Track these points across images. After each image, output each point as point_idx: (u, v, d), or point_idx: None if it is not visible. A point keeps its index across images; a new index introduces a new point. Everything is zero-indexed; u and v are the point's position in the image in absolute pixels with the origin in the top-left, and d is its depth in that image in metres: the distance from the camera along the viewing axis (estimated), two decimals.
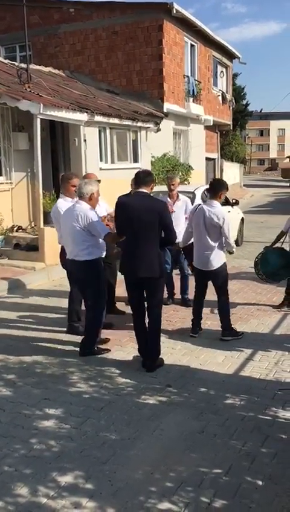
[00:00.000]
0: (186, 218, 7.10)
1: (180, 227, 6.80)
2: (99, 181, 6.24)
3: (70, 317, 5.80)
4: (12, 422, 3.78)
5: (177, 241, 7.07)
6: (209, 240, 5.47)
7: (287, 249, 6.63)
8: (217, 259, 5.53)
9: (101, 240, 5.03)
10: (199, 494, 2.93)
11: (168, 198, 7.09)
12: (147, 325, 4.85)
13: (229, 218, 10.59)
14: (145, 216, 4.51)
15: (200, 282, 5.76)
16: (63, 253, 5.56)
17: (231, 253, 5.96)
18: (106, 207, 6.05)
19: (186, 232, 5.88)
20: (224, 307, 5.62)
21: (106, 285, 5.30)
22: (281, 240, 6.65)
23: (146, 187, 4.69)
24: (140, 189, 4.70)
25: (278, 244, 6.65)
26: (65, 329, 5.82)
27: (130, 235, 4.62)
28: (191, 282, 6.48)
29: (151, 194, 4.84)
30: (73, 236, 4.96)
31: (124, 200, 4.79)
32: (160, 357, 4.84)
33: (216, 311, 5.80)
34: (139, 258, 4.60)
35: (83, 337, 5.20)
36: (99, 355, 5.08)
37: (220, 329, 5.71)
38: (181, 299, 7.05)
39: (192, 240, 5.81)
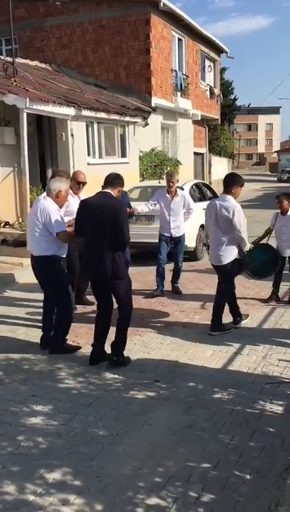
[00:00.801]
0: (184, 212, 7.24)
1: (178, 221, 7.20)
2: (85, 183, 6.24)
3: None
4: None
5: (177, 234, 7.27)
6: (219, 235, 5.40)
7: (275, 245, 6.65)
8: (226, 255, 5.43)
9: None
10: (187, 489, 2.92)
11: (167, 194, 7.21)
12: (106, 325, 4.84)
13: None
14: (101, 215, 4.48)
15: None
16: None
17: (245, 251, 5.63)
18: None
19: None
20: (220, 303, 5.58)
21: (68, 283, 5.23)
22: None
23: (112, 188, 4.66)
24: (105, 190, 4.69)
25: (264, 240, 6.66)
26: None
27: (89, 233, 4.63)
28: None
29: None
30: (32, 230, 4.95)
31: (85, 200, 4.80)
32: (127, 356, 4.80)
33: (206, 306, 5.79)
34: (95, 257, 4.59)
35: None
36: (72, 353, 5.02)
37: (209, 323, 5.71)
38: (172, 288, 7.35)
39: None
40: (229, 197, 5.39)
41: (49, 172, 12.47)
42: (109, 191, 4.66)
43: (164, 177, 7.60)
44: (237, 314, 5.77)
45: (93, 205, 4.57)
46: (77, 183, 6.17)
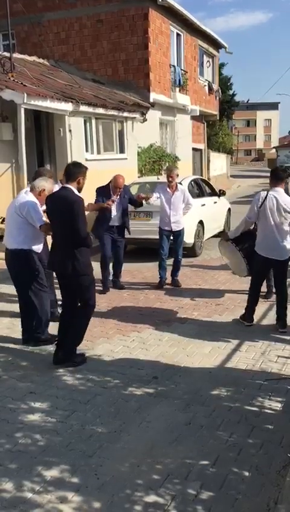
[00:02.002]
0: (183, 207, 7.38)
1: (178, 215, 7.30)
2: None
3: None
4: None
5: (176, 228, 7.30)
6: (284, 228, 5.31)
7: None
8: (288, 247, 5.40)
9: (38, 233, 4.94)
10: (185, 486, 2.92)
11: (167, 189, 7.31)
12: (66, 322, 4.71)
13: (216, 208, 10.75)
14: (58, 210, 4.43)
15: (265, 271, 5.67)
16: None
17: None
18: None
19: (246, 223, 5.59)
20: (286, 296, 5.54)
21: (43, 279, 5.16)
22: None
23: (71, 181, 4.49)
24: (65, 184, 4.55)
25: None
26: (51, 322, 5.76)
27: (53, 230, 4.63)
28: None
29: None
30: (11, 223, 4.97)
31: (49, 194, 4.74)
32: (80, 354, 4.74)
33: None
34: (56, 253, 4.55)
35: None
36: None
37: (208, 319, 5.71)
38: (172, 281, 7.42)
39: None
40: (280, 189, 5.40)
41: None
42: (67, 185, 4.50)
43: (163, 172, 7.64)
44: (250, 313, 5.67)
45: (52, 200, 4.54)
46: None
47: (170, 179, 7.22)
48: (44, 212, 4.89)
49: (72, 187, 4.49)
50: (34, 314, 5.10)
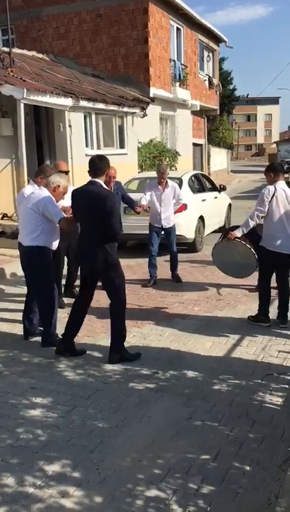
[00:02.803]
0: (174, 203, 7.27)
1: (168, 212, 7.25)
2: (67, 172, 6.20)
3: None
4: None
5: (167, 225, 7.23)
6: None
7: None
8: None
9: (55, 230, 4.91)
10: (187, 481, 2.92)
11: (159, 186, 7.25)
12: (82, 315, 4.77)
13: (217, 204, 10.73)
14: (89, 205, 4.40)
15: (273, 266, 5.48)
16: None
17: None
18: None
19: (258, 218, 5.43)
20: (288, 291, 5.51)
21: (54, 277, 5.15)
22: None
23: (98, 176, 4.51)
24: (92, 179, 4.55)
25: None
26: None
27: (80, 223, 4.63)
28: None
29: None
30: (26, 219, 4.88)
31: (75, 189, 4.71)
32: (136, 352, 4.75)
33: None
34: (85, 248, 4.53)
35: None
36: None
37: (209, 315, 5.71)
38: (172, 276, 7.41)
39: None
40: None
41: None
42: (96, 180, 4.51)
43: (157, 168, 7.54)
44: (266, 313, 5.55)
45: (81, 195, 4.52)
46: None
47: (162, 180, 7.18)
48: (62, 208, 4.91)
49: (101, 181, 4.50)
50: (40, 312, 5.07)
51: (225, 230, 6.35)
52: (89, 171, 4.62)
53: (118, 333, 4.67)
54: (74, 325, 4.75)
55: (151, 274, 7.29)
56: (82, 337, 5.16)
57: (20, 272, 7.94)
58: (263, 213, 5.34)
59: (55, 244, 5.04)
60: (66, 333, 4.75)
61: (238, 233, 5.56)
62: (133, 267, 8.24)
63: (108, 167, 4.61)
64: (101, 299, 6.55)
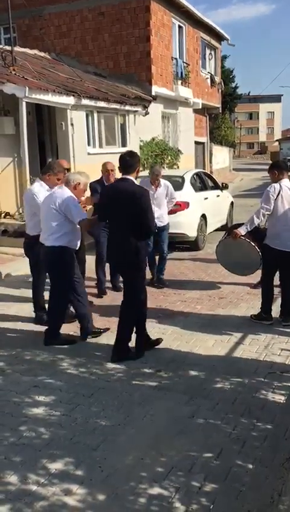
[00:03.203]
0: (167, 202, 7.24)
1: (161, 211, 7.12)
2: (68, 169, 6.21)
3: (35, 306, 5.71)
4: (1, 410, 3.75)
5: (160, 224, 7.10)
6: None
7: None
8: None
9: (76, 229, 4.90)
10: (189, 479, 2.93)
11: (151, 185, 7.11)
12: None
13: (219, 202, 10.72)
14: (122, 202, 4.39)
15: (277, 265, 5.47)
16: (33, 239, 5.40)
17: None
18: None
19: (263, 215, 5.41)
20: None
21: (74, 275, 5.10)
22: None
23: (130, 173, 4.51)
24: (124, 176, 4.56)
25: None
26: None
27: (111, 221, 4.62)
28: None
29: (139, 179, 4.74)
30: (48, 219, 4.84)
31: (108, 185, 4.77)
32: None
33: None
34: (116, 245, 4.56)
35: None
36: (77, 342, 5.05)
37: (211, 313, 5.70)
38: (157, 279, 7.17)
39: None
40: None
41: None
42: (128, 176, 4.52)
43: (151, 170, 7.37)
44: (268, 311, 5.55)
45: (114, 192, 4.51)
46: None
47: (157, 182, 7.10)
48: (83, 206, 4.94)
49: (133, 178, 4.50)
50: (51, 310, 5.09)
51: (229, 228, 6.29)
52: (119, 168, 4.62)
53: (123, 330, 4.65)
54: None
55: (153, 273, 7.23)
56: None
57: (23, 270, 7.97)
58: (268, 211, 5.33)
59: (77, 244, 5.04)
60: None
61: (242, 230, 5.56)
62: None
63: (139, 163, 4.62)
64: (104, 297, 6.60)
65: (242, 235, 5.61)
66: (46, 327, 5.12)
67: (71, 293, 5.00)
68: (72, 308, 5.33)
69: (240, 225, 5.79)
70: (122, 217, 4.41)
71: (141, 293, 4.65)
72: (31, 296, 6.43)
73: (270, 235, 5.41)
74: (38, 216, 5.16)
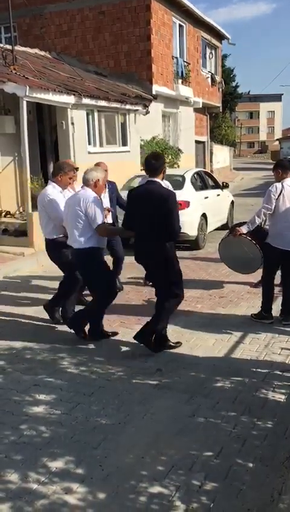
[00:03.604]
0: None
1: None
2: (77, 169, 6.15)
3: (56, 304, 5.67)
4: (2, 408, 3.76)
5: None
6: None
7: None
8: None
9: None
10: (190, 477, 2.93)
11: None
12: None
13: (220, 201, 10.72)
14: (150, 205, 4.43)
15: (279, 264, 5.50)
16: (52, 243, 5.43)
17: None
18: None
19: (264, 215, 5.43)
20: None
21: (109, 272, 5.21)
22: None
23: (157, 175, 4.57)
24: (150, 178, 4.60)
25: None
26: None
27: (138, 223, 4.59)
28: None
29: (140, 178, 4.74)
30: (74, 221, 4.79)
31: (133, 191, 4.77)
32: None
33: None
34: (144, 246, 4.63)
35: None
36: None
37: (212, 312, 5.70)
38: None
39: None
40: None
41: (49, 161, 12.42)
42: (154, 179, 4.57)
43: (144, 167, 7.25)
44: (269, 310, 5.56)
45: (141, 194, 4.55)
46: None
47: None
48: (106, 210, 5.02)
49: (159, 180, 4.55)
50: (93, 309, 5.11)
51: (231, 227, 6.28)
52: (146, 171, 4.68)
53: (159, 314, 4.73)
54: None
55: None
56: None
57: (24, 269, 7.98)
58: (269, 210, 5.35)
59: (104, 243, 5.10)
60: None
61: (244, 229, 5.58)
62: (136, 264, 8.22)
63: (164, 165, 4.66)
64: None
65: (243, 234, 5.61)
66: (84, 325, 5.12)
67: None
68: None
69: (242, 224, 5.81)
70: (150, 218, 4.45)
71: (177, 287, 4.76)
72: (31, 295, 6.47)
73: (271, 234, 5.42)
74: (55, 219, 5.20)
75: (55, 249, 5.37)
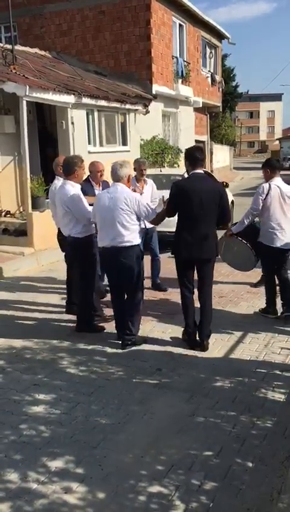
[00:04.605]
0: (152, 200, 6.88)
1: None
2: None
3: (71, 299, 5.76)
4: (2, 408, 3.76)
5: (149, 225, 6.63)
6: (289, 217, 5.43)
7: None
8: None
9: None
10: (189, 477, 2.93)
11: (137, 183, 6.91)
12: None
13: None
14: (204, 198, 4.58)
15: (274, 260, 5.57)
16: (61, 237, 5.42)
17: None
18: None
19: (252, 216, 5.55)
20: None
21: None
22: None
23: (200, 167, 4.78)
24: (195, 171, 4.74)
25: None
26: (55, 314, 5.82)
27: (188, 215, 4.68)
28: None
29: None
30: (117, 221, 4.64)
31: (182, 183, 4.93)
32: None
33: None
34: (197, 239, 4.66)
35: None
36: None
37: (214, 312, 5.70)
38: (153, 284, 6.94)
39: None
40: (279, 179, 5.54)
41: (49, 161, 12.40)
42: (200, 171, 4.75)
43: (135, 166, 6.90)
44: (273, 305, 5.66)
45: (192, 188, 4.62)
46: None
47: (142, 172, 6.83)
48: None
49: (202, 172, 4.77)
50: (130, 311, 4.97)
51: (228, 228, 6.31)
52: (189, 164, 4.83)
53: (210, 314, 4.87)
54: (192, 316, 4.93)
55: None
56: (85, 335, 5.17)
57: (24, 268, 7.98)
58: (256, 211, 5.48)
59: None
60: (189, 327, 4.91)
61: (234, 230, 5.71)
62: None
63: (204, 157, 4.78)
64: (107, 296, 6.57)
65: (234, 234, 5.70)
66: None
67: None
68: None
69: (234, 225, 5.89)
70: (203, 210, 4.60)
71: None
72: (31, 295, 6.48)
73: (262, 232, 5.54)
74: (82, 218, 5.10)
75: (83, 247, 5.20)
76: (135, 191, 5.70)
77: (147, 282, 7.10)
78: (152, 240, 6.94)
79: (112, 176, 4.83)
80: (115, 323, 5.08)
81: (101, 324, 5.42)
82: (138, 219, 4.79)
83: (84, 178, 5.72)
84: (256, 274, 7.23)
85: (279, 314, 5.59)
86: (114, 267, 4.85)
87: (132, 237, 4.74)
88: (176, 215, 4.77)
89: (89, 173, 6.16)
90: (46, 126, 12.35)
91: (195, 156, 4.77)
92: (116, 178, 4.78)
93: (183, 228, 4.71)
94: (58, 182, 5.72)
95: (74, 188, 5.19)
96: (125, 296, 4.97)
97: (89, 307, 5.37)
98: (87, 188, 5.85)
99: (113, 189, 4.78)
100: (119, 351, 4.81)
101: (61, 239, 5.71)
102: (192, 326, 4.88)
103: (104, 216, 4.75)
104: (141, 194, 6.31)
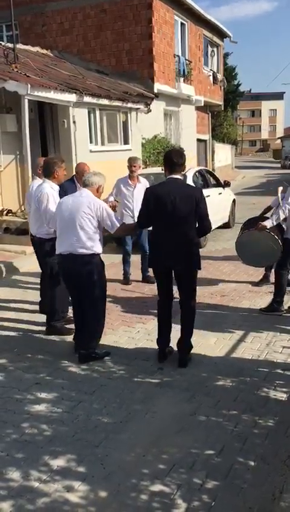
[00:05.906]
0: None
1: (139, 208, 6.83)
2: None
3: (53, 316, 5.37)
4: (4, 407, 3.76)
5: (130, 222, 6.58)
6: None
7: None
8: None
9: (101, 235, 4.58)
10: (191, 476, 2.93)
11: (129, 181, 6.93)
12: (170, 315, 4.61)
13: (221, 199, 10.71)
14: (180, 204, 4.21)
15: None
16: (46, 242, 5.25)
17: None
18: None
19: (289, 211, 5.60)
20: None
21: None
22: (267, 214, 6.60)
23: (178, 172, 4.41)
24: (171, 175, 4.38)
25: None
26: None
27: (162, 223, 4.34)
28: None
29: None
30: (78, 223, 4.36)
31: (154, 188, 4.48)
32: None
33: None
34: (171, 247, 4.30)
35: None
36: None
37: (213, 311, 5.69)
38: (143, 277, 7.16)
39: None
40: None
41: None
42: (177, 176, 4.38)
43: (127, 163, 6.90)
44: (279, 301, 5.77)
45: (167, 194, 4.25)
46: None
47: (133, 169, 6.76)
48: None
49: (180, 177, 4.47)
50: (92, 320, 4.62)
51: (253, 221, 6.30)
52: (166, 168, 4.45)
53: (190, 328, 4.50)
54: (167, 327, 4.61)
55: (126, 271, 7.15)
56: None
57: (25, 267, 7.98)
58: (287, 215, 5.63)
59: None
60: (161, 338, 4.58)
61: (268, 224, 5.73)
62: (137, 263, 8.22)
63: (184, 161, 4.47)
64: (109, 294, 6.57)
65: (267, 228, 5.76)
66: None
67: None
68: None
69: (260, 218, 6.05)
70: (177, 217, 4.23)
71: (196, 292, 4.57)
72: (32, 293, 6.46)
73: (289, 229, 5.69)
74: (49, 218, 4.95)
75: (51, 248, 4.97)
76: (112, 207, 4.99)
77: (137, 276, 7.17)
78: (141, 237, 6.98)
79: (82, 180, 4.65)
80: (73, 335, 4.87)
81: (67, 326, 5.24)
82: (99, 227, 4.47)
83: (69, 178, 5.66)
84: (257, 274, 7.23)
85: (284, 311, 5.70)
86: (71, 277, 4.52)
87: (92, 245, 4.39)
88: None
89: (75, 173, 6.14)
90: (46, 126, 12.35)
91: (172, 160, 4.36)
92: (85, 183, 4.56)
93: (157, 235, 4.41)
94: (36, 182, 5.63)
95: (50, 188, 5.06)
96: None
97: (54, 309, 5.22)
98: (69, 187, 5.68)
99: (79, 194, 4.59)
100: (121, 350, 4.80)
101: (32, 239, 5.67)
102: (163, 344, 4.57)
103: (65, 218, 4.45)
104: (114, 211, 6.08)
